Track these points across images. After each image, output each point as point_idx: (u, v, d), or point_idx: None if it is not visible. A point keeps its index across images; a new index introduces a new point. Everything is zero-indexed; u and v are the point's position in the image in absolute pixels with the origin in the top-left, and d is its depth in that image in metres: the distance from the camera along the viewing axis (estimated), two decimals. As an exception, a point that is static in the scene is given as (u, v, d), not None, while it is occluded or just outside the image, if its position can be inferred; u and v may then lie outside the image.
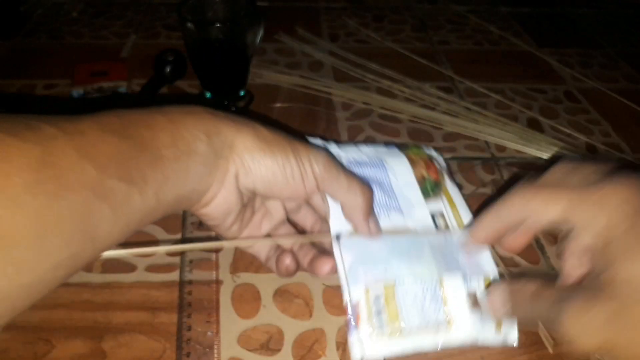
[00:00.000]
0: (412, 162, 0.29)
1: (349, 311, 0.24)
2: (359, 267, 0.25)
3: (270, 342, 0.26)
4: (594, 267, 0.18)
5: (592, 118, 0.47)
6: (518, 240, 0.23)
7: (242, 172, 0.23)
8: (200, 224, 0.32)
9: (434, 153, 0.32)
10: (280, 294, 0.29)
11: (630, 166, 0.21)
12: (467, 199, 0.35)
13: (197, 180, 0.21)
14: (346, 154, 0.30)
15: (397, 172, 0.29)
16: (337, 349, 0.26)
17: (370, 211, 0.25)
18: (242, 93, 0.46)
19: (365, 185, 0.25)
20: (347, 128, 0.43)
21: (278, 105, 0.46)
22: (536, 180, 0.21)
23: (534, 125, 0.45)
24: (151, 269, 0.30)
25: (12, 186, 0.15)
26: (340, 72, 0.51)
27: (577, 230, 0.19)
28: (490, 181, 0.38)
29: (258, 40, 0.45)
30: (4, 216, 0.14)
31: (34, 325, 0.26)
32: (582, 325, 0.17)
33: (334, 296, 0.29)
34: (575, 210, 0.18)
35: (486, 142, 0.42)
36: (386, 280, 0.24)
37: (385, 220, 0.27)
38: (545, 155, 0.41)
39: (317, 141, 0.31)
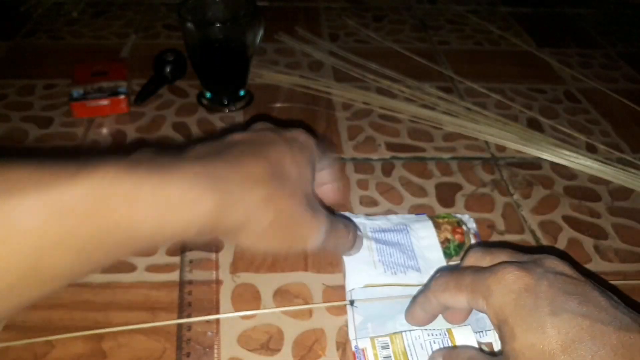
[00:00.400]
0: (439, 227, 0.32)
1: (357, 354, 0.25)
2: (367, 324, 0.27)
3: (270, 342, 0.26)
4: (500, 338, 0.20)
5: (592, 118, 0.47)
6: (456, 317, 0.25)
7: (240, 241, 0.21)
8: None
9: (464, 217, 0.34)
10: (280, 294, 0.29)
11: (520, 248, 0.24)
12: (467, 199, 0.36)
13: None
14: (372, 222, 0.32)
15: (420, 236, 0.31)
16: (337, 349, 0.26)
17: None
18: (242, 93, 0.46)
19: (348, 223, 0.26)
20: (347, 128, 0.43)
21: (278, 105, 0.46)
22: (455, 268, 0.24)
23: (534, 125, 0.45)
24: (151, 269, 0.30)
25: None
26: (340, 72, 0.51)
27: (482, 309, 0.21)
28: (490, 181, 0.38)
29: (258, 40, 0.45)
30: None
31: (34, 325, 0.26)
32: None
33: (333, 296, 0.29)
34: (474, 299, 0.21)
35: (486, 142, 0.42)
36: (394, 331, 0.26)
37: (402, 277, 0.29)
38: (545, 155, 0.41)
39: (347, 215, 0.33)
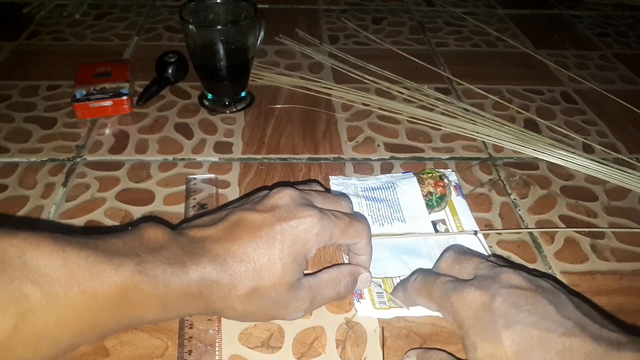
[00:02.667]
0: (422, 182, 0.35)
1: (355, 292, 0.28)
2: None
3: (271, 340, 0.26)
4: (465, 347, 0.23)
5: (588, 119, 0.47)
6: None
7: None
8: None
9: (447, 172, 0.37)
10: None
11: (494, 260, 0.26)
12: (466, 198, 0.36)
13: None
14: (362, 182, 0.36)
15: (405, 191, 0.35)
16: (337, 346, 0.26)
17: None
18: (243, 94, 0.46)
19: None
20: (346, 129, 0.44)
21: (278, 106, 0.46)
22: (429, 273, 0.27)
23: (531, 125, 0.45)
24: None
25: None
26: (339, 74, 0.51)
27: (447, 319, 0.24)
28: (488, 181, 0.39)
29: (259, 42, 0.45)
30: None
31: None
32: None
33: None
34: (442, 311, 0.24)
35: (484, 143, 0.43)
36: (385, 275, 0.30)
37: (389, 227, 0.33)
38: (542, 156, 0.41)
39: (339, 179, 0.36)
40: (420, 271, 0.27)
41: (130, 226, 0.23)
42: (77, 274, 0.19)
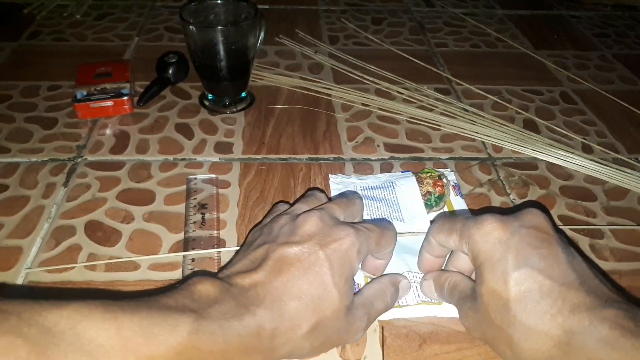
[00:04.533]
0: (421, 181, 0.35)
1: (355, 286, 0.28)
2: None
3: (271, 338, 0.27)
4: (475, 278, 0.24)
5: (588, 119, 0.47)
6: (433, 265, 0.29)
7: None
8: (203, 223, 0.33)
9: (445, 171, 0.38)
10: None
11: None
12: (465, 198, 0.36)
13: None
14: (362, 181, 0.36)
15: (404, 191, 0.35)
16: (337, 346, 0.26)
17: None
18: (243, 94, 0.46)
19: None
20: (346, 129, 0.44)
21: (279, 106, 0.46)
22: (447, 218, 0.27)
23: (530, 126, 0.45)
24: (154, 267, 0.30)
25: None
26: (339, 74, 0.51)
27: (465, 251, 0.25)
28: (487, 181, 0.39)
29: (259, 42, 0.45)
30: None
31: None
32: (467, 324, 0.25)
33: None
34: (460, 242, 0.25)
35: (483, 143, 0.43)
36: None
37: None
38: (541, 156, 0.41)
39: (339, 178, 0.37)
40: (442, 214, 0.27)
41: (177, 284, 0.22)
42: (131, 342, 0.18)
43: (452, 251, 0.27)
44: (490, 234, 0.23)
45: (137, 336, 0.18)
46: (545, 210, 0.25)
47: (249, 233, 0.29)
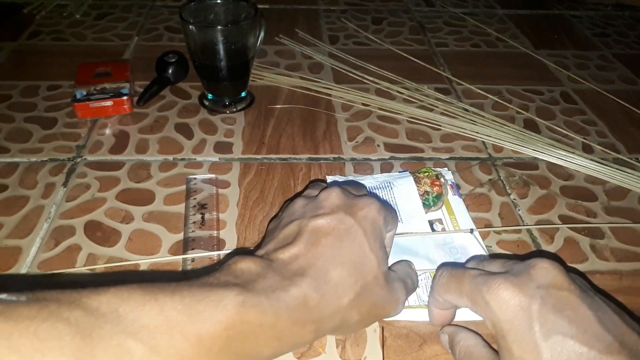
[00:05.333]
0: (419, 181, 0.35)
1: None
2: None
3: (271, 339, 0.27)
4: (499, 349, 0.22)
5: (588, 119, 0.47)
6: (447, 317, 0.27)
7: None
8: (202, 223, 0.33)
9: (443, 170, 0.37)
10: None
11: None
12: (465, 198, 0.36)
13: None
14: (359, 182, 0.36)
15: (402, 191, 0.35)
16: (337, 346, 0.26)
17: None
18: (243, 94, 0.46)
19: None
20: (346, 129, 0.44)
21: (279, 106, 0.46)
22: (454, 266, 0.25)
23: (530, 126, 0.45)
24: (154, 267, 0.30)
25: None
26: (339, 74, 0.51)
27: (480, 315, 0.23)
28: (487, 181, 0.39)
29: (259, 42, 0.45)
30: None
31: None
32: None
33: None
34: (474, 308, 0.23)
35: (483, 143, 0.43)
36: None
37: None
38: (542, 156, 0.41)
39: (336, 179, 0.37)
40: (444, 266, 0.26)
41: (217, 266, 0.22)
42: (175, 320, 0.17)
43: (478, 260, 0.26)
44: (508, 301, 0.21)
45: (181, 314, 0.17)
46: (552, 257, 0.23)
47: (268, 224, 0.29)
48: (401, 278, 0.25)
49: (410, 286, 0.26)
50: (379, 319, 0.25)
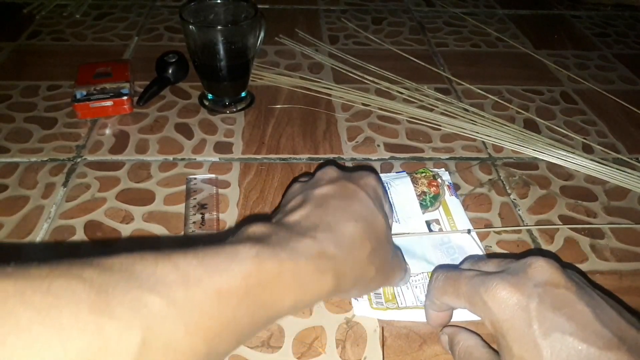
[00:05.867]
0: (416, 181, 0.35)
1: None
2: None
3: (271, 340, 0.26)
4: (499, 349, 0.22)
5: (588, 119, 0.47)
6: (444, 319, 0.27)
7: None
8: (202, 223, 0.33)
9: (440, 171, 0.37)
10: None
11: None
12: (465, 198, 0.36)
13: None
14: None
15: (399, 191, 0.35)
16: (337, 346, 0.26)
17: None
18: (243, 94, 0.46)
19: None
20: (346, 129, 0.44)
21: (278, 106, 0.46)
22: (451, 266, 0.26)
23: (530, 126, 0.45)
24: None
25: None
26: (339, 74, 0.51)
27: (478, 316, 0.23)
28: (487, 181, 0.39)
29: (259, 42, 0.45)
30: None
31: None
32: None
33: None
34: (472, 309, 0.23)
35: (483, 143, 0.43)
36: None
37: None
38: (542, 156, 0.41)
39: None
40: (440, 268, 0.26)
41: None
42: (191, 274, 0.17)
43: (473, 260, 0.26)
44: (506, 301, 0.21)
45: (196, 269, 0.17)
46: (548, 255, 0.23)
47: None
48: (399, 254, 0.27)
49: (403, 266, 0.27)
50: (389, 281, 0.26)
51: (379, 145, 0.42)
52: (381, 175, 0.37)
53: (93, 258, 0.16)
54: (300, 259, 0.20)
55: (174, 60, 0.47)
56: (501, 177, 0.39)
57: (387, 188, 0.35)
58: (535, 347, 0.20)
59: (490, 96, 0.49)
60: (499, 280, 0.22)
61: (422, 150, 0.42)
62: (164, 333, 0.15)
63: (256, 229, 0.21)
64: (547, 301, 0.21)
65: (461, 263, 0.28)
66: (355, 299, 0.28)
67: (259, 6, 0.43)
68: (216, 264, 0.17)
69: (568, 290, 0.21)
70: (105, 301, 0.14)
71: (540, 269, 0.22)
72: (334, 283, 0.21)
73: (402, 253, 0.28)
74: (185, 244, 0.18)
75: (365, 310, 0.28)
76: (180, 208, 0.34)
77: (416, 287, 0.29)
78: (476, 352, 0.24)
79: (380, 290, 0.29)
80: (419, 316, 0.27)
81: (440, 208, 0.34)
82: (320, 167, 0.27)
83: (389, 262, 0.24)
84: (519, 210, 0.36)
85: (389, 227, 0.25)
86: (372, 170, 0.26)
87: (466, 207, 0.36)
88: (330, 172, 0.26)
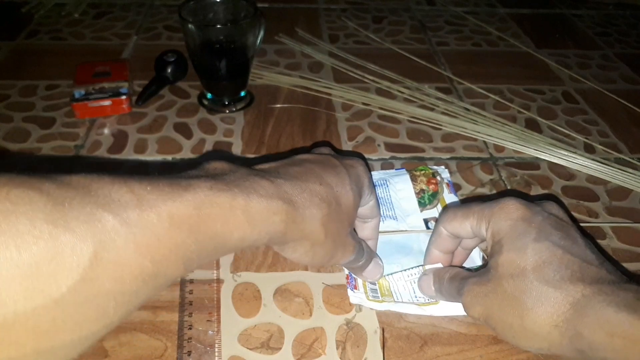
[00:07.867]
0: (415, 179, 0.35)
1: (350, 280, 0.29)
2: None
3: (271, 341, 0.26)
4: (488, 258, 0.24)
5: (590, 118, 0.47)
6: (460, 257, 0.29)
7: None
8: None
9: (439, 168, 0.37)
10: (281, 293, 0.29)
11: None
12: (466, 198, 0.36)
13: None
14: None
15: (398, 189, 0.35)
16: (337, 347, 0.26)
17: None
18: (242, 94, 0.46)
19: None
20: (346, 128, 0.43)
21: (278, 105, 0.46)
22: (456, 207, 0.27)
23: (532, 125, 0.45)
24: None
25: (56, 287, 0.14)
26: (340, 73, 0.51)
27: (483, 233, 0.25)
28: (488, 181, 0.38)
29: (258, 41, 0.45)
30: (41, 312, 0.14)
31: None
32: (470, 299, 0.24)
33: (333, 295, 0.29)
34: (478, 224, 0.25)
35: (485, 143, 0.43)
36: None
37: (381, 225, 0.31)
38: (543, 156, 0.41)
39: None
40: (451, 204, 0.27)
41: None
42: (146, 198, 0.17)
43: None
44: (513, 212, 0.23)
45: (151, 194, 0.17)
46: (562, 206, 0.26)
47: None
48: (355, 237, 0.26)
49: (366, 255, 0.27)
50: (339, 254, 0.25)
51: (379, 145, 0.42)
52: (380, 172, 0.37)
53: (52, 174, 0.16)
54: (252, 196, 0.20)
55: (173, 59, 0.47)
56: (502, 177, 0.39)
57: (386, 185, 0.35)
58: (523, 247, 0.22)
59: (491, 95, 0.49)
60: (512, 199, 0.24)
61: (422, 150, 0.41)
62: (115, 249, 0.16)
63: (216, 165, 0.21)
64: (548, 222, 0.23)
65: (442, 213, 0.28)
66: (352, 289, 0.28)
67: (259, 5, 0.43)
68: (170, 192, 0.18)
69: (569, 225, 0.24)
70: (61, 213, 0.15)
71: (552, 205, 0.25)
72: (282, 227, 0.21)
73: (368, 247, 0.27)
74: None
75: (361, 300, 0.28)
76: (179, 208, 0.34)
77: (413, 282, 0.29)
78: (463, 272, 0.26)
79: (376, 286, 0.29)
80: (415, 310, 0.27)
81: (439, 206, 0.34)
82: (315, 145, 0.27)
83: (342, 236, 0.24)
84: (520, 210, 0.36)
85: (355, 209, 0.25)
86: (364, 161, 0.26)
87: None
88: (323, 149, 0.26)
